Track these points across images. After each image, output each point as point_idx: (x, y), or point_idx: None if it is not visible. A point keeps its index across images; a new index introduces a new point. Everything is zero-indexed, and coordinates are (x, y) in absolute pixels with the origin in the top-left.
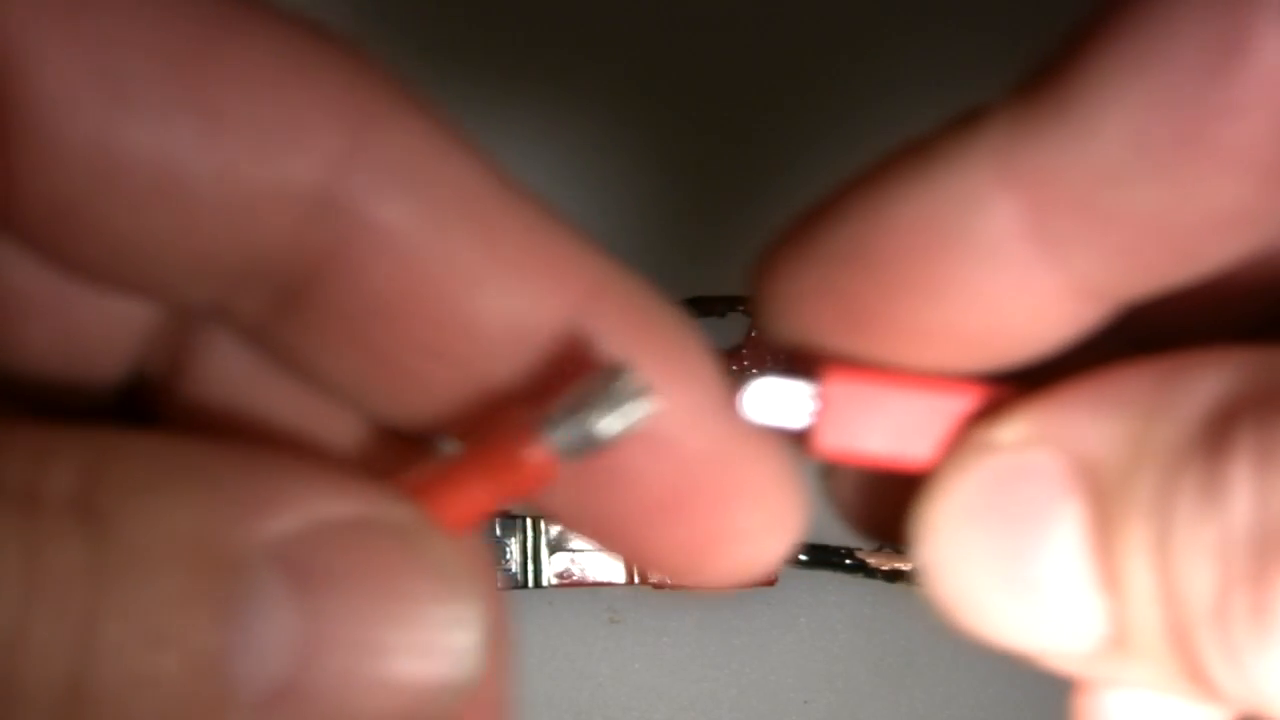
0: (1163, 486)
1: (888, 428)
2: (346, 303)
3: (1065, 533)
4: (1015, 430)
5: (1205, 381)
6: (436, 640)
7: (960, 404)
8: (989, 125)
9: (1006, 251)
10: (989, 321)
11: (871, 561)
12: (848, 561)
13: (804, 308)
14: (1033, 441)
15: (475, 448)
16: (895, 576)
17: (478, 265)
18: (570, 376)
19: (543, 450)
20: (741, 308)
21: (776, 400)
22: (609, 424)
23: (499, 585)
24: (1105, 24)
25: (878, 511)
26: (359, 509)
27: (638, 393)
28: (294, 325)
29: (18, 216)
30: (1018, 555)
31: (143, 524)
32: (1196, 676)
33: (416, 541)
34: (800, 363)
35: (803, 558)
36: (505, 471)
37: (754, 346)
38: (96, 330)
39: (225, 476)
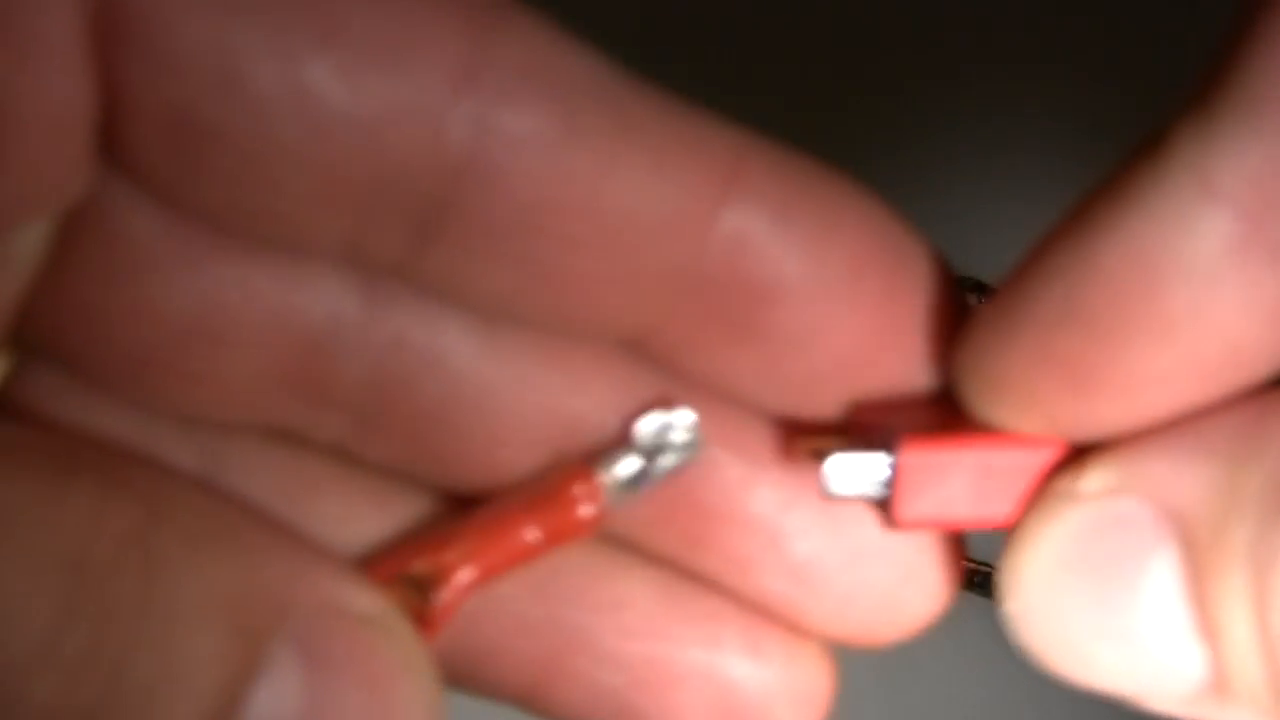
0: (1257, 537)
1: (966, 492)
2: (491, 218)
3: (1160, 581)
4: (1101, 479)
5: None
6: None
7: (1038, 459)
8: (1177, 142)
9: (1226, 269)
10: (1222, 347)
11: None
12: None
13: (1021, 385)
14: (1119, 490)
15: (526, 489)
16: None
17: (618, 157)
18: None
19: (595, 488)
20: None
21: (855, 474)
22: (662, 462)
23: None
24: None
25: None
26: (370, 605)
27: (690, 431)
28: (439, 253)
29: (131, 141)
30: (1114, 603)
31: (193, 574)
32: None
33: (409, 649)
34: (875, 434)
35: None
36: (555, 505)
37: None
38: (227, 293)
39: (266, 547)
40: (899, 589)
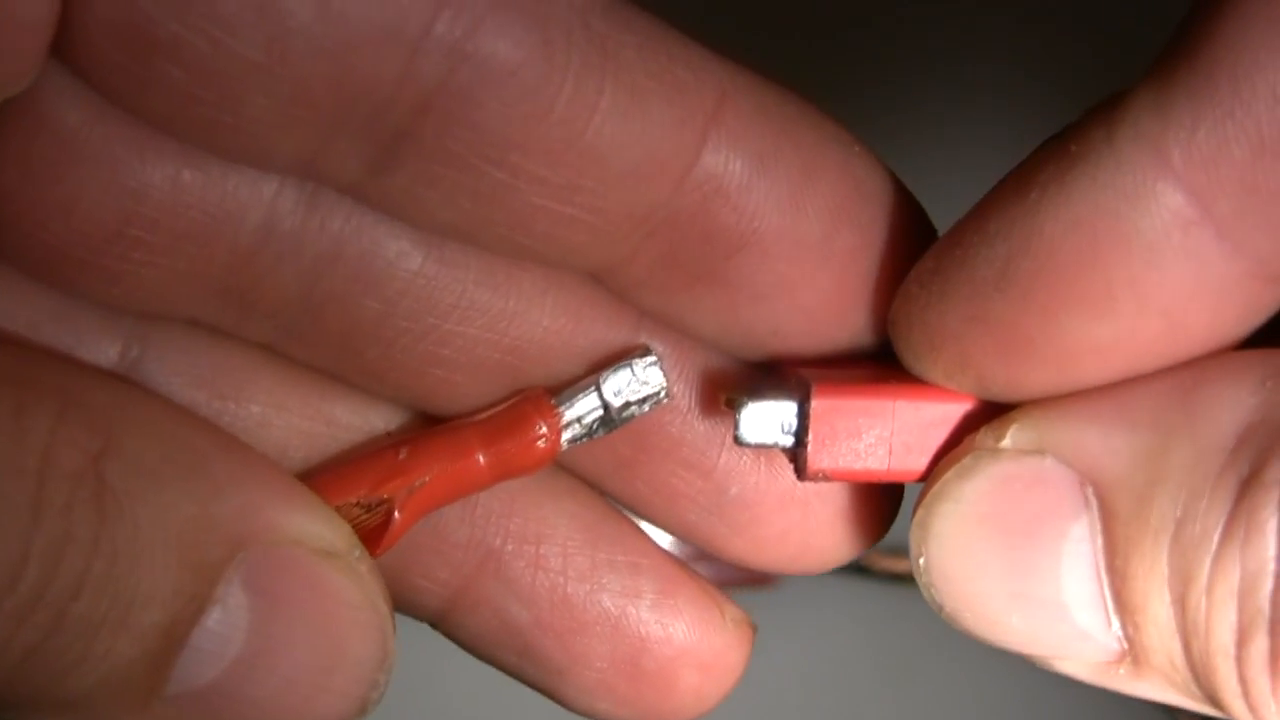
0: (1184, 515)
1: (880, 444)
2: (459, 145)
3: (1077, 550)
4: (1024, 436)
5: (1228, 401)
6: (357, 691)
7: (955, 413)
8: (1132, 113)
9: (1176, 244)
10: (1165, 323)
11: (871, 562)
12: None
13: (953, 345)
14: (1041, 449)
15: (487, 417)
16: (896, 577)
17: (596, 92)
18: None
19: (556, 424)
20: None
21: (766, 422)
22: (622, 404)
23: None
24: None
25: None
26: (328, 538)
27: (654, 376)
28: (396, 178)
29: (84, 48)
30: (1028, 566)
31: (148, 511)
32: (1212, 701)
33: (365, 584)
34: (788, 382)
35: None
36: (511, 440)
37: None
38: (159, 196)
39: (222, 475)
40: (825, 534)
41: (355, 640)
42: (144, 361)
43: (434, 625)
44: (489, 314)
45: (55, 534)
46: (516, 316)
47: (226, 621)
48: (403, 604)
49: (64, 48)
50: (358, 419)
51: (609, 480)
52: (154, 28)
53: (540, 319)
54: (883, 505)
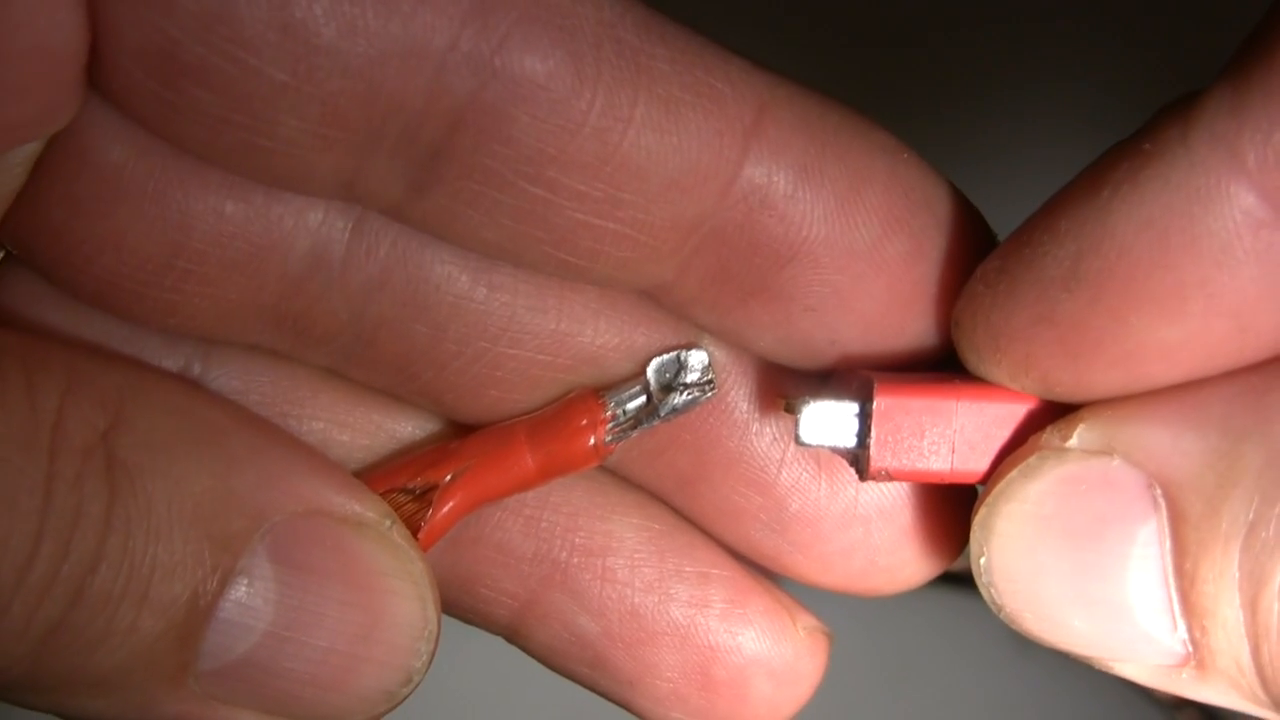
0: (1256, 518)
1: (944, 443)
2: (495, 161)
3: (1144, 551)
4: (1090, 437)
5: None
6: (399, 660)
7: (1019, 414)
8: (1208, 113)
9: (1248, 246)
10: (1234, 325)
11: None
12: None
13: (1019, 345)
14: (1108, 450)
15: (536, 415)
16: None
17: (630, 108)
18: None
19: (601, 418)
20: None
21: (828, 423)
22: (668, 392)
23: None
24: None
25: None
26: (357, 508)
27: (700, 364)
28: (436, 197)
29: (117, 76)
30: (1093, 569)
31: (162, 484)
32: None
33: (401, 554)
34: (849, 385)
35: None
36: (556, 431)
37: None
38: (204, 227)
39: (240, 448)
40: (892, 553)
41: (392, 608)
42: (205, 381)
43: (507, 639)
44: (540, 336)
45: (67, 509)
46: (569, 337)
47: (253, 593)
48: (473, 617)
49: (98, 78)
50: (421, 435)
51: (674, 498)
52: (180, 51)
53: (594, 339)
54: (951, 525)
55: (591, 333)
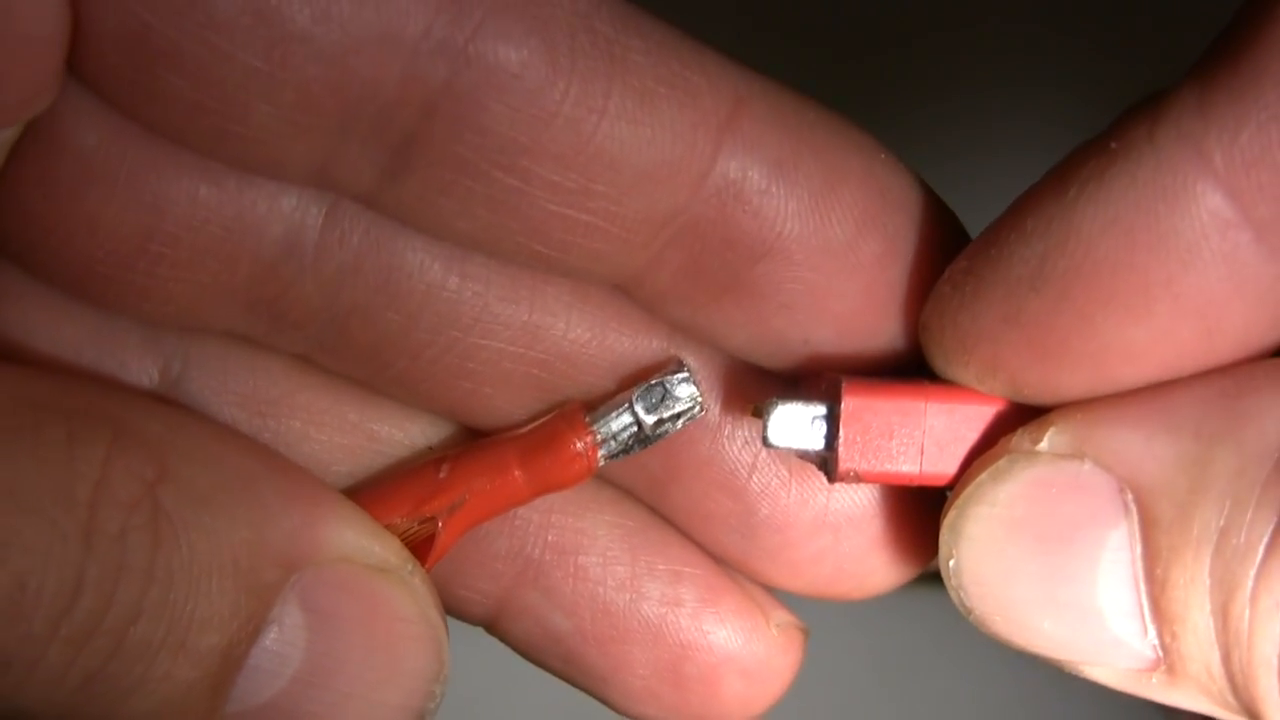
0: (1228, 524)
1: (913, 444)
2: (468, 149)
3: (1115, 557)
4: (1059, 440)
5: (1274, 409)
6: (413, 703)
7: (988, 416)
8: (1175, 112)
9: (1214, 246)
10: (1201, 326)
11: None
12: None
13: (986, 347)
14: (1077, 453)
15: (524, 434)
16: None
17: (602, 95)
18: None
19: (591, 443)
20: None
21: (796, 424)
22: (656, 421)
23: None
24: None
25: None
26: (380, 554)
27: (687, 391)
28: (410, 185)
29: (90, 55)
30: (1064, 575)
31: (202, 535)
32: (1249, 712)
33: (419, 598)
34: (818, 387)
35: None
36: (548, 457)
37: None
38: (178, 211)
39: (272, 497)
40: (860, 560)
41: (410, 654)
42: (185, 380)
43: (487, 630)
44: (512, 327)
45: (109, 562)
46: (541, 330)
47: (284, 640)
48: (450, 612)
49: (74, 62)
50: (399, 433)
51: (645, 498)
52: (155, 36)
53: (566, 332)
54: (921, 532)
55: (564, 326)
